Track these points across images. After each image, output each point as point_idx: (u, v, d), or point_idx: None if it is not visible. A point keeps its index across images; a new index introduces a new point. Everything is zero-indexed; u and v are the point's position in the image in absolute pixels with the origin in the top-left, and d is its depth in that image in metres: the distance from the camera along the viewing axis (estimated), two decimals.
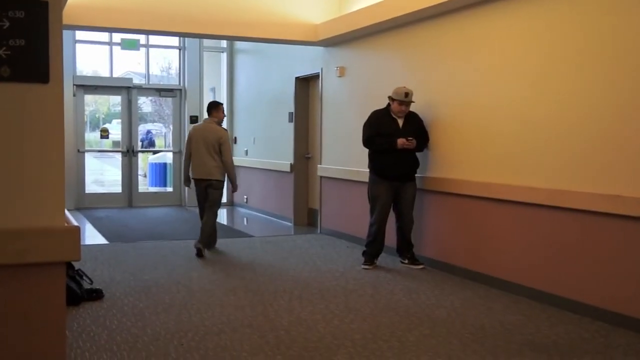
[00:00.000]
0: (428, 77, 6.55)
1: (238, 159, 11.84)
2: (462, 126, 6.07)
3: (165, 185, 12.75)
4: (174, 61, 12.17)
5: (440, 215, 6.39)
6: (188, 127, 11.67)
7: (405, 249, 6.52)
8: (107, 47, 11.45)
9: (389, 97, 6.35)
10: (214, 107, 7.02)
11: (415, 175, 6.43)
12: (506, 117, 5.51)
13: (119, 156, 12.00)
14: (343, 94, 8.23)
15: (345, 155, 7.92)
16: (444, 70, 6.33)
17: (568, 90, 4.90)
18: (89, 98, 12.15)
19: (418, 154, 6.43)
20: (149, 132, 13.31)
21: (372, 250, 6.50)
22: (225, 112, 11.82)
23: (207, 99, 12.70)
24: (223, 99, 12.25)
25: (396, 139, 6.22)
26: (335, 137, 8.33)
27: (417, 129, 6.33)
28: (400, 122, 6.32)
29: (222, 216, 11.57)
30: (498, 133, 5.59)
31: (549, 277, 5.10)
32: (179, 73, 12.03)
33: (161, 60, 12.57)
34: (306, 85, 9.62)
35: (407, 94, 6.23)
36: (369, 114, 6.56)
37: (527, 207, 5.29)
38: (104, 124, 13.55)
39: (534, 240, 5.26)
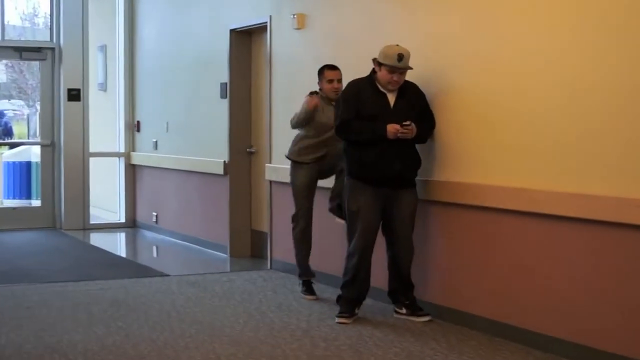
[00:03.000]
0: (436, 29, 6.55)
1: (142, 155, 11.75)
2: (487, 105, 6.07)
3: (29, 197, 12.63)
4: (43, 5, 12.01)
5: (452, 240, 6.39)
6: (64, 106, 11.54)
7: (402, 292, 6.53)
8: None
9: (374, 61, 6.34)
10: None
11: (416, 178, 6.45)
12: (556, 90, 5.52)
13: None
14: (304, 55, 8.19)
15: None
16: (460, 19, 6.33)
17: None
18: None
19: (419, 147, 6.44)
20: (1, 113, 13.09)
21: (351, 294, 6.48)
22: (126, 82, 11.79)
23: (95, 61, 12.58)
24: (119, 62, 12.15)
25: (385, 124, 6.21)
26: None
27: (416, 108, 6.35)
28: (392, 98, 6.34)
29: (117, 243, 11.51)
30: (542, 114, 5.61)
31: (627, 337, 5.09)
32: (51, 24, 11.92)
33: (22, 4, 12.38)
34: (247, 42, 9.59)
35: (400, 57, 6.21)
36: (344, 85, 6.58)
37: (588, 226, 5.29)
38: None
39: (601, 278, 5.26)
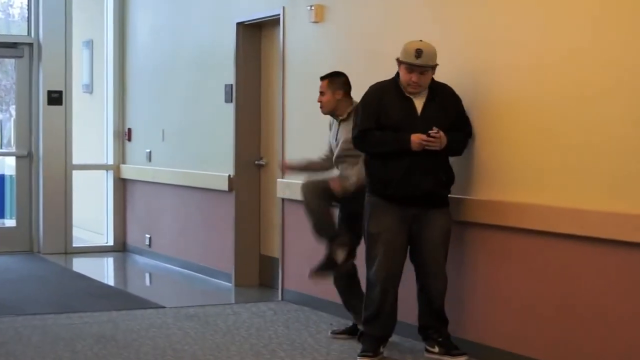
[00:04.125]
0: (473, 25, 6.56)
1: (134, 168, 11.79)
2: (537, 110, 6.08)
3: (2, 216, 12.70)
4: None
5: (494, 268, 6.38)
6: (44, 111, 11.59)
7: (434, 328, 6.51)
8: None
9: (397, 60, 6.37)
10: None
11: (449, 196, 6.45)
12: (621, 101, 5.53)
13: None
14: (322, 52, 8.22)
15: None
16: (504, 12, 6.34)
17: None
18: None
19: (452, 160, 6.45)
20: None
21: (375, 330, 6.48)
22: (115, 83, 11.86)
23: (79, 59, 12.63)
24: (108, 59, 12.20)
25: (410, 133, 6.23)
26: (309, 129, 8.31)
27: (450, 114, 6.36)
28: (419, 103, 6.35)
29: (104, 270, 11.52)
30: (603, 125, 5.60)
31: None
32: (29, 15, 11.95)
33: None
34: (256, 37, 9.62)
35: (419, 52, 6.19)
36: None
37: None
38: None
39: None
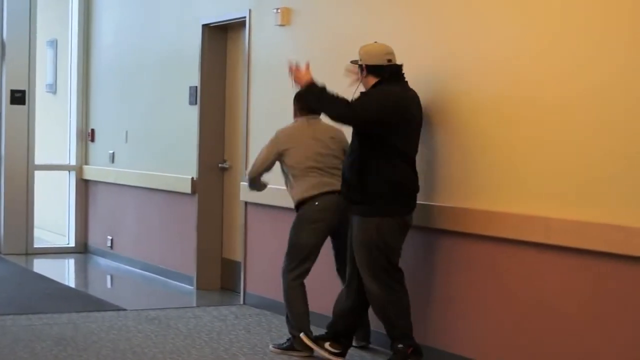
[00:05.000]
0: (442, 26, 6.59)
1: (96, 169, 11.75)
2: (504, 118, 6.10)
3: None
4: None
5: (456, 275, 6.41)
6: (6, 110, 11.53)
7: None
8: None
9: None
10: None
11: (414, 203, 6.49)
12: (584, 102, 5.56)
13: None
14: (288, 55, 8.18)
15: None
16: (476, 12, 6.37)
17: None
18: None
19: (420, 168, 6.47)
20: None
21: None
22: (79, 84, 11.79)
23: (43, 58, 12.56)
24: (72, 59, 12.16)
25: None
26: (274, 133, 8.28)
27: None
28: None
29: (65, 271, 11.47)
30: (567, 131, 5.64)
31: None
32: None
33: None
34: (222, 39, 9.65)
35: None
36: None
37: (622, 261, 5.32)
38: None
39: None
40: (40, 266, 11.19)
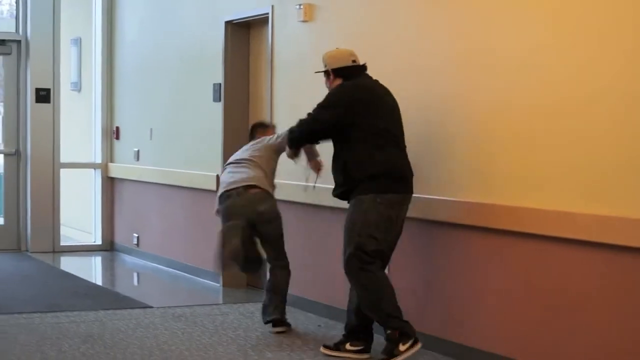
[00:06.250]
0: (465, 23, 6.59)
1: (122, 167, 11.78)
2: (525, 112, 6.10)
3: None
4: None
5: (479, 270, 6.41)
6: (32, 108, 11.59)
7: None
8: None
9: None
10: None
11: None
12: (606, 99, 5.55)
13: None
14: (311, 52, 8.20)
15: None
16: (496, 11, 6.37)
17: None
18: None
19: (440, 158, 6.50)
20: None
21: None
22: (103, 81, 11.84)
23: (68, 56, 12.61)
24: (96, 57, 12.21)
25: None
26: None
27: None
28: None
29: (92, 269, 11.52)
30: (587, 126, 5.63)
31: None
32: (17, 12, 11.95)
33: None
34: (245, 36, 9.64)
35: None
36: None
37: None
38: None
39: None
40: (67, 264, 11.26)
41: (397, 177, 6.35)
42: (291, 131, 6.79)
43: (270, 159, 7.53)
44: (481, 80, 6.42)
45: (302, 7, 8.21)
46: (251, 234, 7.34)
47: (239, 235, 7.21)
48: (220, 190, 7.49)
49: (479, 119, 6.43)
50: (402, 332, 6.16)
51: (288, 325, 7.41)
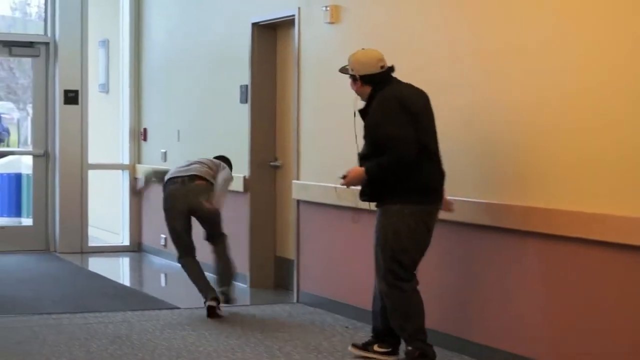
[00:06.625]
0: (499, 22, 6.58)
1: (151, 168, 11.80)
2: (561, 114, 6.09)
3: (19, 215, 12.77)
4: None
5: (509, 272, 6.40)
6: (60, 110, 11.64)
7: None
8: None
9: None
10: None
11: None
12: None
13: None
14: (337, 54, 8.19)
15: (344, 162, 7.84)
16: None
17: None
18: None
19: (468, 160, 6.47)
20: None
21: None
22: (131, 83, 11.92)
23: (95, 58, 12.67)
24: (124, 59, 12.27)
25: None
26: (324, 130, 8.33)
27: (365, 132, 6.43)
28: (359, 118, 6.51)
29: (120, 270, 11.56)
30: (623, 123, 5.61)
31: None
32: (45, 14, 12.01)
33: None
34: (271, 38, 9.66)
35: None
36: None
37: None
38: None
39: None
40: (95, 265, 11.31)
41: (429, 189, 6.26)
42: (382, 165, 6.19)
43: (214, 177, 8.20)
44: (516, 80, 6.38)
45: (328, 8, 8.21)
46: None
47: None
48: (168, 176, 8.35)
49: (513, 121, 6.40)
50: (422, 353, 6.19)
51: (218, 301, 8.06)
